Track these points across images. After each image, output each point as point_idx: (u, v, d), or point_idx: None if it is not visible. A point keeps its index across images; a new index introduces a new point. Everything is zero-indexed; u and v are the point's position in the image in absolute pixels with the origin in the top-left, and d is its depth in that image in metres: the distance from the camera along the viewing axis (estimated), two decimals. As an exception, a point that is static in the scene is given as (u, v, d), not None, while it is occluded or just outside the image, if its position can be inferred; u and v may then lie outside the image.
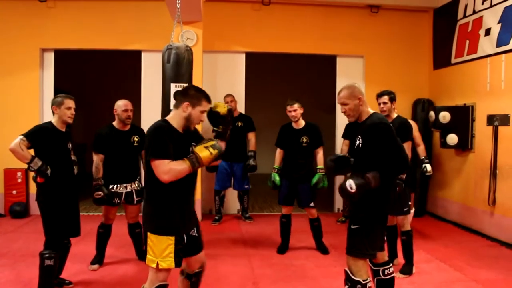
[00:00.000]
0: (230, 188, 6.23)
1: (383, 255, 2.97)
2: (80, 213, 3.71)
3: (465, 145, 5.77)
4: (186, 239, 2.67)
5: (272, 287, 3.78)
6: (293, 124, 4.73)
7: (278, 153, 4.85)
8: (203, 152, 2.53)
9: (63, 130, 3.55)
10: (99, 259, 4.19)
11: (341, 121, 6.32)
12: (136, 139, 4.15)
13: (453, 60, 6.16)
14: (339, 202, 6.82)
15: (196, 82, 5.77)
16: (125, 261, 4.36)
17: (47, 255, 3.32)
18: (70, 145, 3.61)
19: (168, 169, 2.45)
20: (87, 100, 9.06)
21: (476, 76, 5.61)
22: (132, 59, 6.82)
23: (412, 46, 6.92)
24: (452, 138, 5.74)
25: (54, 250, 3.36)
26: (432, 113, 5.79)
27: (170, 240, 2.53)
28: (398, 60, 6.84)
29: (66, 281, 3.70)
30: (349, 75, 6.80)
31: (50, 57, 6.47)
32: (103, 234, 4.18)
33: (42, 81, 6.42)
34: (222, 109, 2.80)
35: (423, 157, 4.65)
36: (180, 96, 2.67)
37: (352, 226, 2.80)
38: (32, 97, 6.34)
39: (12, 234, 5.33)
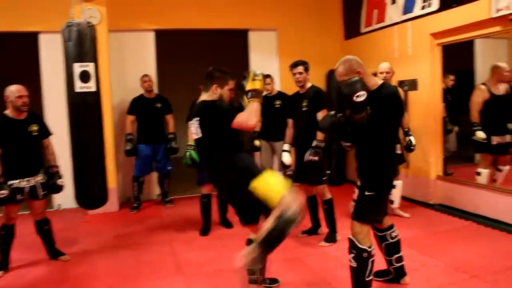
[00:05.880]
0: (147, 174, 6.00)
1: (388, 220, 3.05)
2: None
3: (376, 112, 5.96)
4: None
5: (197, 270, 3.65)
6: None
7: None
8: (255, 84, 2.75)
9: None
10: (3, 265, 3.75)
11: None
12: (35, 128, 3.76)
13: (363, 30, 6.32)
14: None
15: (102, 63, 5.39)
16: (34, 263, 3.93)
17: None
18: None
19: (246, 117, 2.66)
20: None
21: (385, 44, 5.80)
22: (28, 42, 6.19)
23: (323, 17, 6.98)
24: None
25: None
26: (344, 83, 5.90)
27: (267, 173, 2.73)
28: (311, 32, 6.87)
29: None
30: (262, 49, 6.74)
31: None
32: (6, 236, 3.72)
33: None
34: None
35: (406, 129, 4.62)
36: (208, 80, 2.89)
37: (366, 193, 2.75)
38: None
39: None
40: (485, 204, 4.59)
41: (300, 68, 4.16)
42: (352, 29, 6.64)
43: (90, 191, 3.94)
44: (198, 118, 2.80)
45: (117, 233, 4.75)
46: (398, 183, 4.69)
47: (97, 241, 4.47)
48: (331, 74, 6.77)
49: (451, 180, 5.16)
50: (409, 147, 4.62)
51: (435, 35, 5.08)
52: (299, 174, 4.26)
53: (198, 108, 2.86)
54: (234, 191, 2.81)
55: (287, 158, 4.34)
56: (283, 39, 6.77)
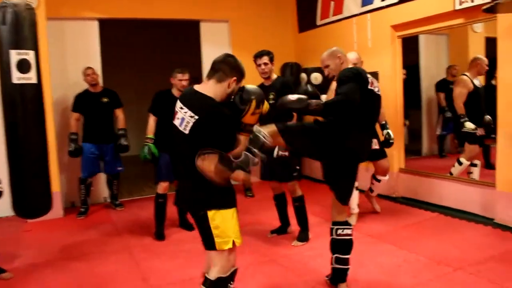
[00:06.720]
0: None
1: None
2: None
3: (337, 105, 5.87)
4: None
5: (165, 280, 3.29)
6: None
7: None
8: (254, 118, 2.29)
9: None
10: None
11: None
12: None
13: (319, 22, 6.18)
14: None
15: (42, 53, 4.84)
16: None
17: None
18: None
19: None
20: None
21: (343, 36, 5.68)
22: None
23: (277, 9, 6.80)
24: (324, 99, 5.78)
25: None
26: (304, 75, 5.78)
27: (235, 212, 2.27)
28: (264, 24, 6.65)
29: None
30: (214, 40, 6.44)
31: None
32: None
33: None
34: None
35: (383, 122, 4.33)
36: (226, 67, 2.26)
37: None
38: None
39: None
40: (449, 195, 4.61)
41: (266, 59, 3.94)
42: (307, 22, 6.49)
43: (32, 198, 3.47)
44: (193, 115, 2.17)
45: (65, 243, 4.23)
46: (384, 178, 4.48)
47: (43, 253, 3.94)
48: (285, 68, 6.59)
49: (414, 172, 5.14)
50: (387, 141, 4.35)
51: (396, 27, 5.05)
52: (267, 171, 4.03)
53: (199, 102, 2.21)
54: (194, 212, 2.33)
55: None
56: (236, 31, 6.51)
